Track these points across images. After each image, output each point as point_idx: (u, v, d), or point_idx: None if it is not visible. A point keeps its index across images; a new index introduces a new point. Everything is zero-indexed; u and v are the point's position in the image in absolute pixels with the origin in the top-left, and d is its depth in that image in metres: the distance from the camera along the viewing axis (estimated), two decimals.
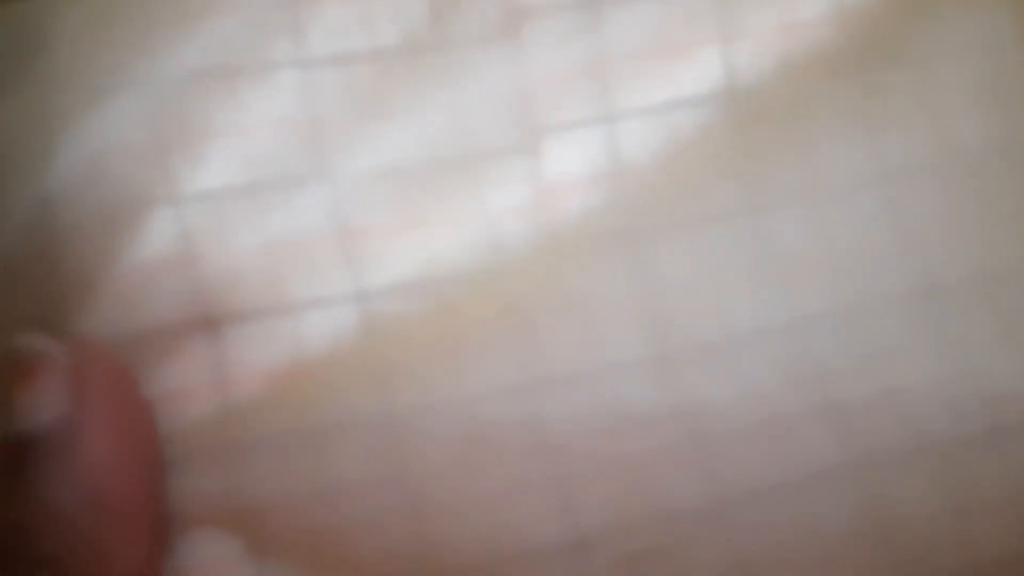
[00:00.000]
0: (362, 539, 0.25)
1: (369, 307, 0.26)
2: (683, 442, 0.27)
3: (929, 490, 0.28)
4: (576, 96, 0.28)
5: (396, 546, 0.26)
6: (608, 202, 0.27)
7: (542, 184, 0.27)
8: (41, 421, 0.23)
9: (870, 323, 0.28)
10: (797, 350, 0.27)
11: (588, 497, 0.26)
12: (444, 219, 0.27)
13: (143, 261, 0.26)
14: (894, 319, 0.28)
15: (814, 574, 0.27)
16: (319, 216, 0.26)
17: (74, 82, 0.26)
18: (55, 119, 0.26)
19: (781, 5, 0.28)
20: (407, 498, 0.26)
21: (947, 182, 0.28)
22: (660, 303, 0.27)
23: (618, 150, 0.27)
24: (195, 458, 0.25)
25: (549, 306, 0.27)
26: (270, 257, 0.26)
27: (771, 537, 0.27)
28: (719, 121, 0.28)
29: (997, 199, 0.29)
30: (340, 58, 0.27)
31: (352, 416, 0.26)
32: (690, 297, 0.27)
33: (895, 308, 0.28)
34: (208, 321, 0.25)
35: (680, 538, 0.27)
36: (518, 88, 0.27)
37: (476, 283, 0.27)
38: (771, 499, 0.27)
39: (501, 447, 0.26)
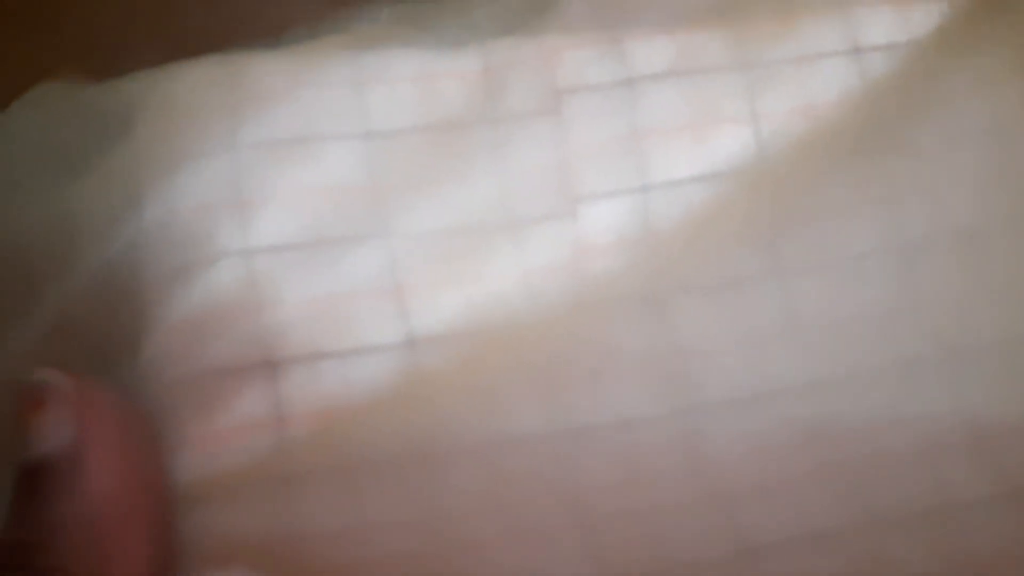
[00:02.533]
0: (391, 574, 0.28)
1: (414, 355, 0.29)
2: (702, 496, 0.28)
3: (929, 552, 0.29)
4: (612, 167, 0.30)
5: None
6: (637, 265, 0.30)
7: (577, 247, 0.30)
8: (51, 446, 0.25)
9: (887, 385, 0.29)
10: (812, 411, 0.29)
11: (612, 546, 0.28)
12: (487, 277, 0.29)
13: (212, 306, 0.29)
14: (908, 382, 0.29)
15: None
16: (374, 271, 0.29)
17: (155, 154, 0.29)
18: (136, 187, 0.29)
19: (802, 89, 0.30)
20: (438, 540, 0.28)
21: (955, 254, 0.30)
22: (682, 362, 0.29)
23: (648, 217, 0.30)
24: (246, 491, 0.28)
25: (578, 361, 0.29)
26: (328, 306, 0.29)
27: None
28: (743, 192, 0.30)
29: (1002, 271, 0.30)
30: (399, 131, 0.30)
31: (390, 457, 0.28)
32: (710, 357, 0.29)
33: (909, 372, 0.29)
34: (268, 363, 0.28)
35: None
36: (558, 159, 0.30)
37: (513, 337, 0.29)
38: (784, 553, 0.28)
39: (529, 494, 0.28)
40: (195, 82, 0.30)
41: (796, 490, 0.28)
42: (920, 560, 0.29)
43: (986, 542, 0.29)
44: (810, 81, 0.31)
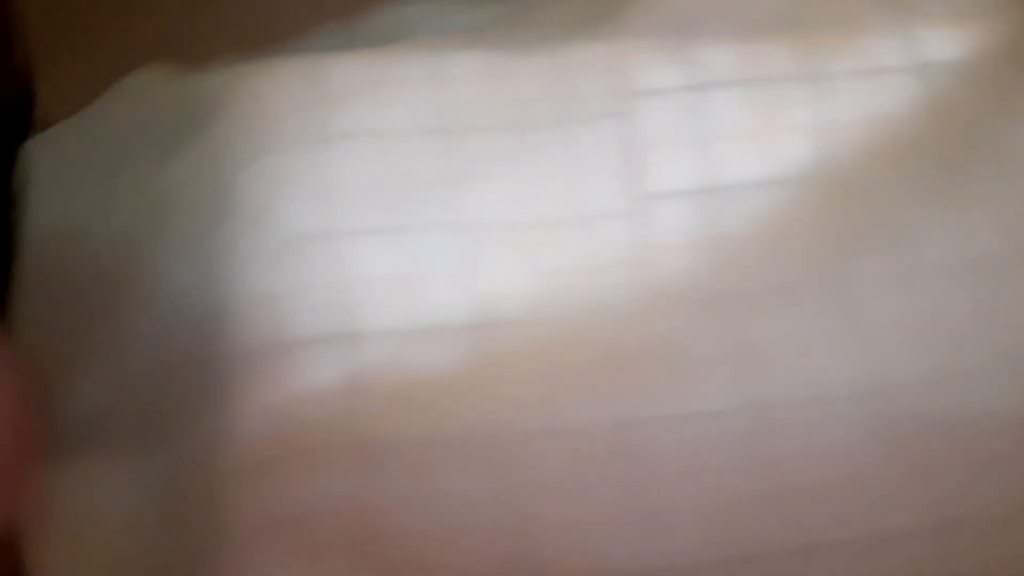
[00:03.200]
0: (464, 549, 0.28)
1: (484, 338, 0.30)
2: (768, 490, 0.29)
3: (1008, 554, 0.29)
4: (679, 169, 0.31)
5: (494, 558, 0.28)
6: (705, 265, 0.31)
7: (643, 245, 0.31)
8: None
9: (954, 390, 0.30)
10: (880, 413, 0.30)
11: (673, 536, 0.29)
12: (554, 269, 0.30)
13: (296, 280, 0.30)
14: (974, 388, 0.30)
15: None
16: (449, 256, 0.30)
17: (243, 142, 0.31)
18: (224, 172, 0.31)
19: (866, 101, 0.32)
20: (506, 516, 0.29)
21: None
22: (750, 361, 0.30)
23: (714, 219, 0.31)
24: (320, 457, 0.29)
25: (645, 354, 0.30)
26: (405, 286, 0.30)
27: None
28: (813, 198, 0.31)
29: None
30: (474, 127, 0.31)
31: (461, 433, 0.29)
32: (779, 358, 0.30)
33: (975, 378, 0.30)
34: (347, 335, 0.29)
35: None
36: (627, 160, 0.31)
37: (581, 327, 0.30)
38: (851, 552, 0.29)
39: (594, 480, 0.29)
40: (280, 78, 0.32)
41: (861, 489, 0.29)
42: (985, 563, 0.29)
43: None
44: (874, 94, 0.32)
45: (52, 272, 0.32)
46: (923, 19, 0.33)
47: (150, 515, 0.29)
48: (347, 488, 0.28)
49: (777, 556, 0.29)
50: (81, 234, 0.32)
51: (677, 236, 0.31)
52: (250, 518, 0.28)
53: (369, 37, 0.35)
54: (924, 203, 0.31)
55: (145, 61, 0.35)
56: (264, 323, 0.29)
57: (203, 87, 0.33)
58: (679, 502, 0.29)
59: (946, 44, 0.32)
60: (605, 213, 0.31)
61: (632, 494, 0.29)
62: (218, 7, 0.37)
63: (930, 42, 0.32)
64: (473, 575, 0.28)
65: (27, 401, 0.28)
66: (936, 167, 0.31)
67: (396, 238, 0.30)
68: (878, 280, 0.30)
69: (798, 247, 0.31)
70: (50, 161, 0.34)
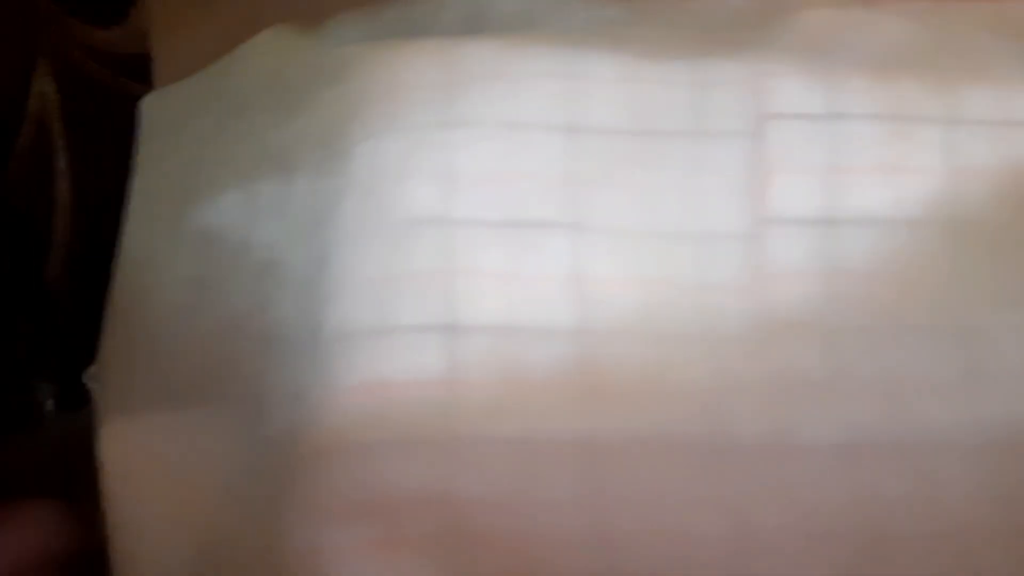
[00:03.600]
0: (549, 556, 0.28)
1: (588, 344, 0.29)
2: (860, 533, 0.29)
3: None
4: (804, 197, 0.31)
5: (578, 568, 0.28)
6: (819, 297, 0.30)
7: (759, 270, 0.30)
8: None
9: None
10: (994, 465, 0.29)
11: (768, 560, 0.29)
12: (665, 283, 0.30)
13: (407, 265, 0.30)
14: None
15: None
16: (561, 257, 0.30)
17: (367, 114, 0.31)
18: (346, 140, 0.31)
19: (1000, 151, 0.31)
20: (597, 526, 0.28)
21: None
22: (855, 398, 0.29)
23: (837, 250, 0.30)
24: (411, 446, 0.28)
25: (751, 380, 0.29)
26: (515, 283, 0.30)
27: None
28: (936, 239, 0.30)
29: None
30: (602, 129, 0.31)
31: (557, 438, 0.29)
32: (884, 397, 0.29)
33: None
34: (450, 327, 0.29)
35: None
36: (753, 181, 0.31)
37: (685, 344, 0.30)
38: None
39: (685, 499, 0.29)
40: (411, 55, 0.32)
41: (969, 549, 0.29)
42: None
43: None
44: (1011, 145, 0.31)
45: (160, 228, 0.32)
46: None
47: (240, 483, 0.29)
48: (435, 481, 0.28)
49: None
50: (192, 191, 0.32)
51: (793, 264, 0.30)
52: (335, 499, 0.28)
53: (486, 20, 0.35)
54: None
55: (269, 24, 0.35)
56: (369, 304, 0.29)
57: (330, 54, 0.33)
58: (774, 526, 0.29)
59: None
60: (722, 232, 0.31)
61: (723, 516, 0.29)
62: None
63: None
64: None
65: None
66: None
67: (508, 232, 0.30)
68: (994, 328, 0.30)
69: (918, 289, 0.30)
70: (163, 117, 0.34)
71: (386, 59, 0.32)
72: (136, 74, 0.39)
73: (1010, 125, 0.31)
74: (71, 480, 0.35)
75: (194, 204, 0.32)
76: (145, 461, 0.30)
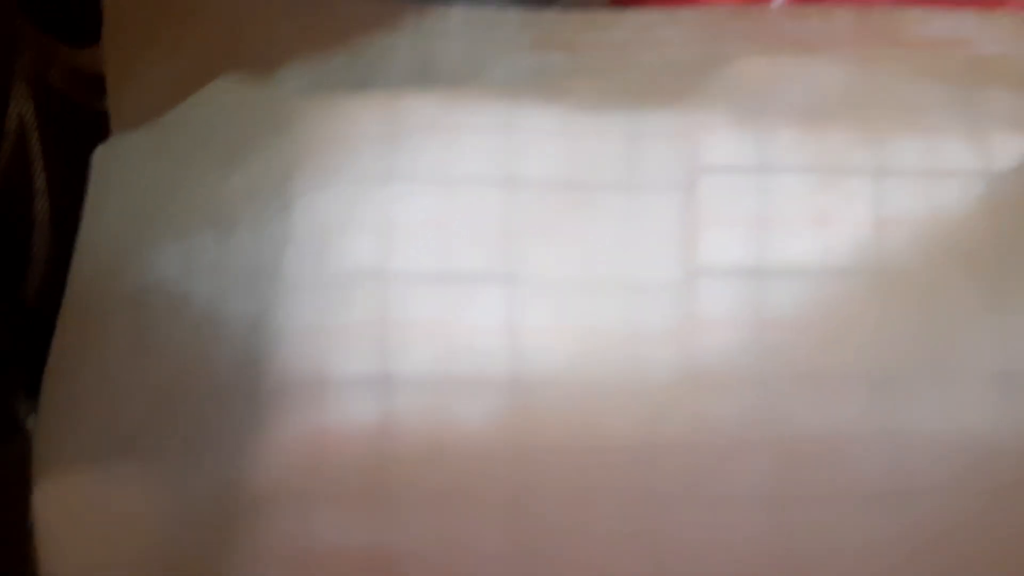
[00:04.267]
0: None
1: (522, 395, 0.30)
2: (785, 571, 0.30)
3: None
4: (734, 247, 0.31)
5: None
6: (749, 345, 0.31)
7: (689, 319, 0.31)
8: None
9: (979, 498, 0.30)
10: (915, 516, 0.30)
11: None
12: (598, 332, 0.31)
13: (342, 317, 0.30)
14: (1000, 499, 0.30)
15: None
16: (495, 308, 0.31)
17: (309, 166, 0.31)
18: (287, 193, 0.31)
19: (928, 201, 0.32)
20: (528, 573, 0.29)
21: None
22: (781, 447, 0.30)
23: (766, 300, 0.31)
24: (344, 498, 0.29)
25: (679, 430, 0.30)
26: (449, 334, 0.30)
27: None
28: (863, 289, 0.31)
29: None
30: (539, 181, 0.32)
31: (488, 489, 0.29)
32: (813, 449, 0.30)
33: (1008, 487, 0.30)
34: (385, 377, 0.30)
35: None
36: (684, 232, 0.31)
37: (617, 394, 0.30)
38: None
39: (615, 549, 0.29)
40: (353, 109, 0.32)
41: None
42: None
43: None
44: (937, 195, 0.32)
45: (102, 281, 0.33)
46: (991, 121, 0.33)
47: (177, 535, 0.30)
48: (367, 534, 0.29)
49: None
50: (135, 244, 0.33)
51: (723, 313, 0.31)
52: (271, 551, 0.29)
53: (432, 66, 0.36)
54: (966, 306, 0.31)
55: (222, 71, 0.36)
56: (306, 357, 0.30)
57: (274, 107, 0.33)
58: (699, 573, 0.29)
59: (1011, 151, 0.32)
60: (654, 283, 0.31)
61: (652, 563, 0.29)
62: (295, 19, 0.37)
63: (996, 147, 0.32)
64: None
65: None
66: (984, 274, 0.31)
67: (444, 284, 0.31)
68: (914, 379, 0.30)
69: (844, 338, 0.31)
70: (111, 170, 0.34)
71: (328, 112, 0.32)
72: None
73: (936, 175, 0.32)
74: None
75: (135, 259, 0.33)
76: (80, 515, 0.31)
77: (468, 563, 0.29)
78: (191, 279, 0.32)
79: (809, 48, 0.35)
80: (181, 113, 0.35)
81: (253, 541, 0.29)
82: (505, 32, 0.36)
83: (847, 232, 0.32)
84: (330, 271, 0.31)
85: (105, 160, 0.35)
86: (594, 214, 0.32)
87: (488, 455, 0.30)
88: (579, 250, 0.31)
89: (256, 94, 0.34)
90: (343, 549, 0.29)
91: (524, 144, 0.32)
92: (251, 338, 0.30)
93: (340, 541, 0.29)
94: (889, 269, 0.31)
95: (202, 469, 0.30)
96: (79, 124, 0.45)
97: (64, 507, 0.31)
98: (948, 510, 0.30)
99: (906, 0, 0.36)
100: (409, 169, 0.31)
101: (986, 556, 0.30)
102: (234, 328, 0.31)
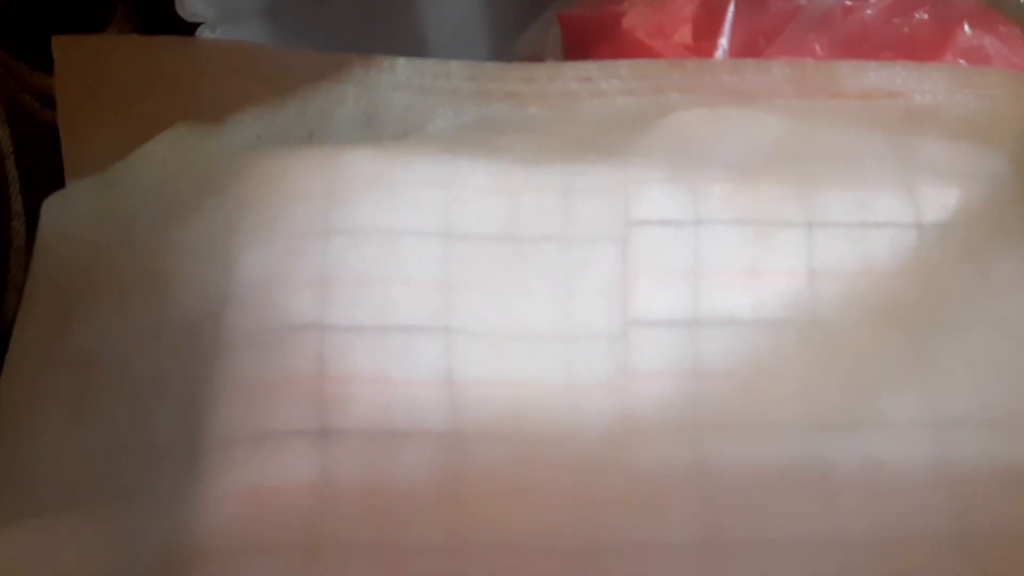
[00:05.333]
0: None
1: (460, 447, 0.31)
2: None
3: None
4: (667, 299, 0.32)
5: None
6: (684, 395, 0.31)
7: (624, 369, 0.32)
8: None
9: (910, 550, 0.31)
10: (835, 566, 0.30)
11: None
12: (534, 383, 0.31)
13: (279, 371, 0.31)
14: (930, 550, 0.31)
15: None
16: (432, 361, 0.31)
17: (249, 223, 0.32)
18: (228, 250, 0.32)
19: (860, 254, 0.32)
20: None
21: (990, 439, 0.31)
22: (717, 498, 0.31)
23: (697, 351, 0.32)
24: (280, 553, 0.29)
25: (613, 479, 0.31)
26: (386, 387, 0.31)
27: None
28: (794, 340, 0.32)
29: None
30: (476, 235, 0.32)
31: (426, 544, 0.30)
32: (744, 495, 0.31)
33: (932, 539, 0.31)
34: (322, 432, 0.30)
35: None
36: (618, 284, 0.32)
37: (553, 445, 0.31)
38: None
39: None
40: (293, 164, 0.33)
41: None
42: None
43: None
44: (869, 247, 0.32)
45: (46, 340, 0.33)
46: (924, 172, 0.34)
47: None
48: None
49: None
50: (78, 302, 0.34)
51: (658, 364, 0.32)
52: None
53: (378, 116, 0.36)
54: (897, 360, 0.32)
55: (173, 123, 0.36)
56: (245, 411, 0.30)
57: (217, 163, 0.34)
58: None
59: (942, 205, 0.33)
60: (590, 334, 0.32)
61: None
62: (244, 72, 0.38)
63: (928, 199, 0.33)
64: None
65: None
66: (916, 326, 0.32)
67: (381, 337, 0.31)
68: (843, 434, 0.31)
69: (776, 388, 0.31)
70: (56, 224, 0.35)
71: (270, 167, 0.33)
72: None
73: (868, 226, 0.33)
74: None
75: (75, 318, 0.33)
76: (26, 571, 0.31)
77: None
78: (130, 342, 0.32)
79: (747, 99, 0.35)
80: (128, 166, 0.35)
81: None
82: (450, 82, 0.37)
83: (779, 284, 0.32)
84: (269, 326, 0.31)
85: (52, 213, 0.35)
86: (531, 267, 0.32)
87: (425, 506, 0.30)
88: (515, 302, 0.32)
89: (202, 147, 0.35)
90: None
91: (461, 199, 0.32)
92: (192, 394, 0.31)
93: None
94: (820, 321, 0.32)
95: (140, 526, 0.30)
96: (54, 147, 0.45)
97: (10, 563, 0.31)
98: (875, 555, 0.30)
99: (840, 53, 0.37)
100: (347, 223, 0.32)
101: None
102: (175, 386, 0.31)
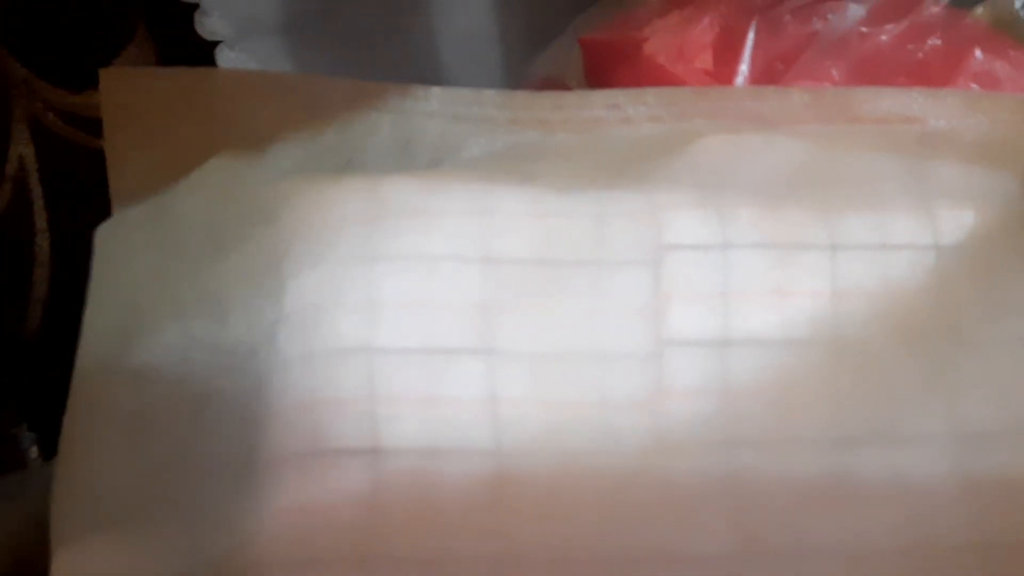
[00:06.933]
0: None
1: (504, 464, 0.32)
2: None
3: None
4: (699, 320, 0.33)
5: None
6: (715, 413, 0.33)
7: (657, 388, 0.33)
8: None
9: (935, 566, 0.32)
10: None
11: None
12: (571, 402, 0.33)
13: (331, 392, 0.32)
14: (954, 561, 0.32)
15: None
16: (475, 381, 0.33)
17: (298, 250, 0.33)
18: (278, 277, 0.33)
19: (882, 274, 0.34)
20: None
21: (1013, 452, 0.33)
22: (749, 510, 0.32)
23: (730, 369, 0.33)
24: (334, 567, 0.31)
25: (649, 494, 0.32)
26: (432, 407, 0.32)
27: None
28: (820, 359, 0.33)
29: None
30: (513, 260, 0.34)
31: (471, 553, 0.31)
32: (773, 507, 0.32)
33: (960, 554, 0.32)
34: (374, 450, 0.32)
35: None
36: (651, 305, 0.34)
37: (590, 461, 0.32)
38: None
39: None
40: (337, 193, 0.34)
41: None
42: None
43: None
44: (889, 268, 0.34)
45: (107, 359, 0.35)
46: (941, 195, 0.35)
47: None
48: None
49: None
50: (136, 324, 0.35)
51: (690, 383, 0.33)
52: None
53: (413, 144, 0.38)
54: (921, 376, 0.33)
55: (216, 150, 0.38)
56: (298, 430, 0.32)
57: (263, 192, 0.35)
58: None
59: (958, 226, 0.34)
60: (624, 354, 0.33)
61: None
62: (282, 101, 0.39)
63: (945, 221, 0.34)
64: None
65: None
66: (938, 344, 0.33)
67: (427, 358, 0.33)
68: (869, 445, 0.33)
69: (802, 405, 0.33)
70: (112, 250, 0.36)
71: (315, 197, 0.34)
72: None
73: (888, 248, 0.34)
74: None
75: (135, 341, 0.35)
76: None
77: None
78: (188, 361, 0.34)
79: (768, 124, 0.37)
80: (177, 194, 0.37)
81: None
82: (482, 110, 0.38)
83: (804, 305, 0.34)
84: (320, 348, 0.32)
85: (106, 239, 0.37)
86: (566, 290, 0.34)
87: (472, 520, 0.31)
88: (551, 324, 0.33)
89: (247, 177, 0.36)
90: None
91: (498, 225, 0.34)
92: (246, 414, 0.32)
93: None
94: (844, 339, 0.33)
95: (199, 541, 0.32)
96: (78, 164, 0.46)
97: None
98: (899, 566, 0.32)
99: (856, 78, 0.38)
100: (390, 250, 0.33)
101: None
102: (230, 405, 0.33)
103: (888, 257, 0.34)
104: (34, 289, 0.48)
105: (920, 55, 0.39)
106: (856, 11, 0.39)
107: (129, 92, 0.39)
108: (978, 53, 0.39)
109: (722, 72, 0.39)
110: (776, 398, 0.33)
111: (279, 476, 0.31)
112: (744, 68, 0.39)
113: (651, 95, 0.38)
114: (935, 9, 0.40)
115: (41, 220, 0.47)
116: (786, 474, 0.32)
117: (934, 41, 0.39)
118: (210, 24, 0.46)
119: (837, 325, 0.33)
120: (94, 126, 0.46)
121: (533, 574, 0.31)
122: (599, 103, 0.38)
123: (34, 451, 0.47)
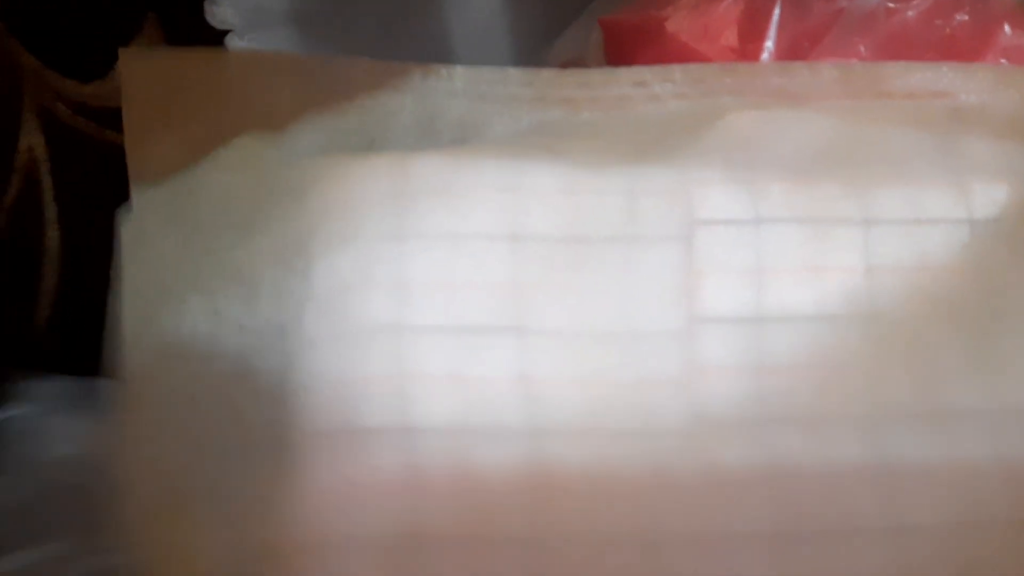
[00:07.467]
0: None
1: (539, 443, 0.32)
2: None
3: None
4: (732, 296, 0.33)
5: None
6: (749, 390, 0.32)
7: (690, 365, 0.33)
8: None
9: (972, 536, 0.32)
10: (903, 553, 0.31)
11: None
12: (604, 380, 0.32)
13: (361, 371, 0.32)
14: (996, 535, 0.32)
15: None
16: (507, 359, 0.32)
17: (326, 229, 0.33)
18: (306, 256, 0.33)
19: (915, 249, 0.33)
20: None
21: None
22: (787, 489, 0.32)
23: (764, 346, 0.33)
24: (373, 549, 0.31)
25: (685, 472, 0.32)
26: (464, 385, 0.32)
27: None
28: (855, 334, 0.33)
29: None
30: (542, 237, 0.33)
31: (508, 532, 0.31)
32: (813, 486, 0.32)
33: (1000, 526, 0.32)
34: (407, 428, 0.31)
35: None
36: (683, 282, 0.33)
37: (626, 440, 0.32)
38: None
39: None
40: (364, 171, 0.34)
41: None
42: None
43: None
44: (923, 243, 0.33)
45: (143, 327, 0.34)
46: (973, 170, 0.35)
47: None
48: None
49: None
50: (165, 301, 0.35)
51: (724, 359, 0.33)
52: None
53: (436, 124, 0.37)
54: (957, 352, 0.33)
55: (236, 131, 0.37)
56: (331, 408, 0.32)
57: (289, 171, 0.35)
58: None
59: (991, 201, 0.34)
60: (657, 331, 0.33)
61: None
62: (303, 82, 0.39)
63: (978, 195, 0.34)
64: None
65: None
66: (975, 320, 0.33)
67: (458, 337, 0.32)
68: (905, 422, 0.32)
69: (837, 381, 0.33)
70: (135, 232, 0.36)
71: (342, 176, 0.34)
72: (121, 126, 0.41)
73: (921, 223, 0.34)
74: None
75: (162, 318, 0.34)
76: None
77: None
78: (219, 337, 0.33)
79: (797, 100, 0.36)
80: (200, 174, 0.36)
81: None
82: (507, 89, 0.38)
83: (839, 280, 0.33)
84: (350, 327, 0.32)
85: (130, 219, 0.36)
86: (596, 266, 0.33)
87: (509, 498, 0.31)
88: (583, 301, 0.33)
89: (269, 155, 0.36)
90: None
91: (527, 202, 0.33)
92: (277, 393, 0.32)
93: None
94: (879, 316, 0.33)
95: (237, 523, 0.31)
96: (87, 155, 0.46)
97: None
98: (942, 543, 0.32)
99: (884, 55, 0.38)
100: (419, 228, 0.33)
101: None
102: (261, 384, 0.32)
103: (922, 232, 0.34)
104: (43, 282, 0.48)
105: (948, 31, 0.39)
106: None
107: (148, 72, 0.38)
108: (1007, 28, 0.38)
109: (747, 49, 0.39)
110: (813, 376, 0.33)
111: (313, 455, 0.31)
112: (770, 45, 0.39)
113: (678, 72, 0.37)
114: None
115: (51, 211, 0.47)
116: (823, 452, 0.32)
117: (962, 16, 0.39)
118: (220, 13, 0.46)
119: (873, 301, 0.33)
120: (104, 117, 0.46)
121: (575, 554, 0.31)
122: (626, 81, 0.37)
123: None
